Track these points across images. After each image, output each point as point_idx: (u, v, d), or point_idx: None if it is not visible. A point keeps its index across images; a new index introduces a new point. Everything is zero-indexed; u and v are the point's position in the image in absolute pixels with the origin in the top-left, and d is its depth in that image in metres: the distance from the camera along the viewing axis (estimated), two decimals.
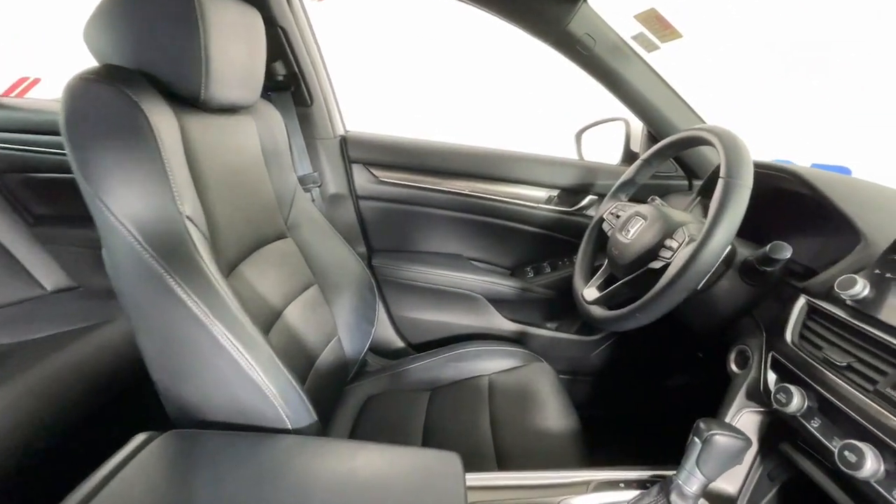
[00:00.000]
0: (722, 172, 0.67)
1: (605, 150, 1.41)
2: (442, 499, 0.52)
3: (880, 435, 0.45)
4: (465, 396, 1.04)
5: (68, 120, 0.57)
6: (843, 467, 0.47)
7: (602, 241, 1.00)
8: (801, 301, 0.63)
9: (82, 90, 0.58)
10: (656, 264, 0.73)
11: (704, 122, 1.11)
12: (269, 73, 1.13)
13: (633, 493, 0.61)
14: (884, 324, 0.51)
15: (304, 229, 1.00)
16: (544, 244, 1.33)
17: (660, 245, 0.75)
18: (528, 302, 1.34)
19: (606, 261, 0.92)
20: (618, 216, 0.93)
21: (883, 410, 0.46)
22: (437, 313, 1.35)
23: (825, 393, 0.53)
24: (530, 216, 1.30)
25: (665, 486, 0.58)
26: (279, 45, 1.09)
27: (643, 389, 1.38)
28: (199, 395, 0.63)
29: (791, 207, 0.82)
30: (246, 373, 0.61)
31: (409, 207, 1.32)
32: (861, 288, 0.54)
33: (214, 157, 0.74)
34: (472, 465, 0.66)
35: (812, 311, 0.61)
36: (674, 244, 0.71)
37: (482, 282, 1.32)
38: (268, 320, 0.80)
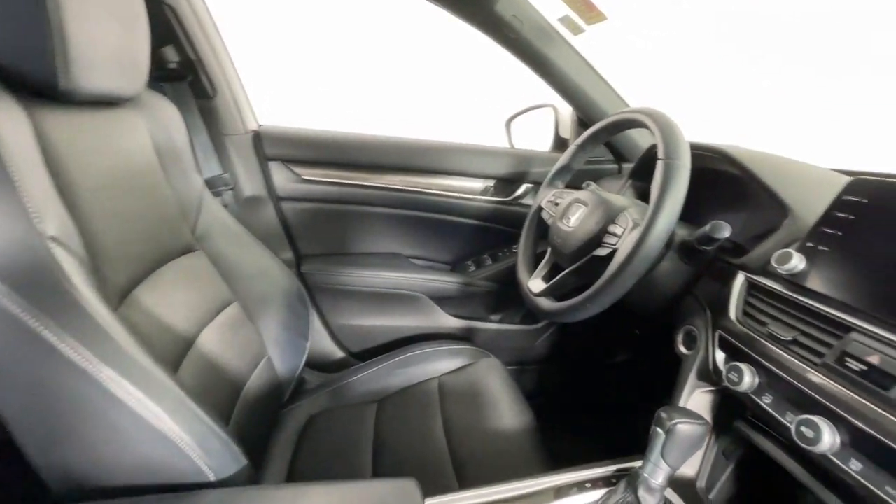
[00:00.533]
0: (660, 154, 0.66)
1: (535, 137, 1.41)
2: None
3: (833, 408, 0.46)
4: (416, 403, 0.98)
5: None
6: (800, 443, 0.47)
7: (542, 230, 0.98)
8: (741, 278, 0.64)
9: None
10: (602, 251, 0.72)
11: (629, 106, 1.13)
12: (159, 61, 0.97)
13: (599, 493, 0.59)
14: (822, 295, 0.53)
15: (216, 239, 0.87)
16: (483, 236, 1.30)
17: (603, 231, 0.73)
18: (472, 296, 1.31)
19: (549, 250, 0.89)
20: (557, 204, 0.91)
21: (832, 383, 0.47)
22: (378, 318, 1.27)
23: (774, 369, 0.53)
24: (467, 208, 1.26)
25: (632, 480, 0.56)
26: (168, 26, 0.93)
27: (588, 371, 1.41)
28: (89, 458, 0.51)
29: (717, 186, 0.85)
30: (150, 424, 0.50)
31: (338, 206, 1.22)
32: (797, 262, 0.56)
33: (89, 161, 0.60)
34: (428, 481, 0.60)
35: (752, 288, 0.62)
36: (618, 230, 0.70)
37: (423, 280, 1.26)
38: (176, 353, 0.68)
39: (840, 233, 0.54)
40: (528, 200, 1.25)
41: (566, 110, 1.26)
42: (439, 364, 1.06)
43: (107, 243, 0.59)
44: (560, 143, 1.31)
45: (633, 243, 0.64)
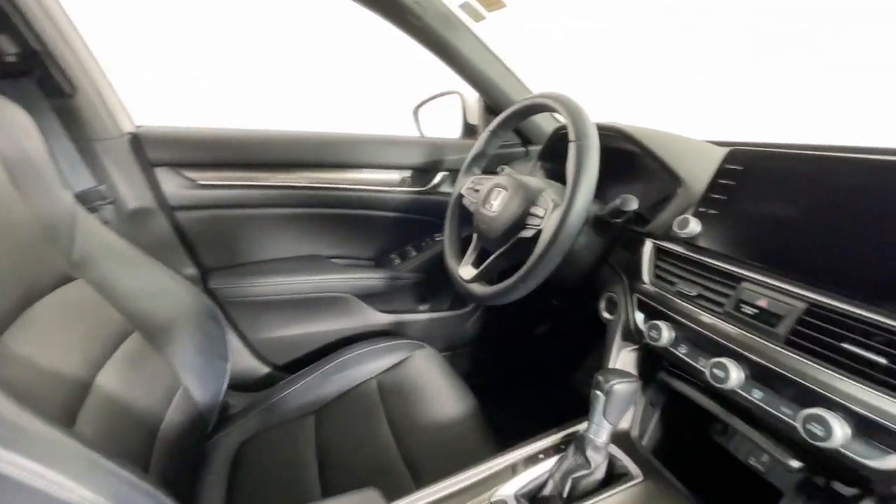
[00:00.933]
0: (571, 136, 0.70)
1: (442, 124, 1.42)
2: None
3: (736, 349, 0.53)
4: (356, 407, 0.95)
5: None
6: (714, 383, 0.54)
7: (465, 217, 0.99)
8: (648, 245, 0.71)
9: None
10: (527, 233, 0.75)
11: (532, 91, 1.18)
12: None
13: (552, 461, 0.62)
14: (716, 253, 0.61)
15: (100, 263, 0.74)
16: (405, 228, 1.28)
17: (526, 213, 0.76)
18: (400, 289, 1.29)
19: (475, 236, 0.91)
20: (477, 190, 0.92)
21: (733, 328, 0.54)
22: (303, 325, 1.20)
23: (686, 322, 0.60)
24: (385, 201, 1.23)
25: (579, 443, 0.60)
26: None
27: (516, 345, 1.48)
28: None
29: (615, 162, 0.93)
30: (53, 497, 0.42)
31: (243, 212, 1.11)
32: (694, 226, 0.63)
33: None
34: (383, 485, 0.59)
35: (659, 252, 0.70)
36: (540, 211, 0.73)
37: (347, 279, 1.21)
38: (70, 404, 0.57)
39: (725, 197, 0.62)
40: (445, 188, 1.26)
41: (472, 97, 1.28)
42: (375, 363, 1.03)
43: None
44: (469, 130, 1.33)
45: (556, 222, 0.67)
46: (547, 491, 0.60)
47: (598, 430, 0.58)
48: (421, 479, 0.75)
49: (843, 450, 0.43)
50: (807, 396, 0.46)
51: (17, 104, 0.67)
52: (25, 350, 0.53)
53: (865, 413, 0.42)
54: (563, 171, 0.98)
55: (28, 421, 0.42)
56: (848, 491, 0.48)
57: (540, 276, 0.70)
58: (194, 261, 1.09)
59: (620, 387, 0.56)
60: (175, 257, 1.06)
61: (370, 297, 1.26)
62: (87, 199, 0.88)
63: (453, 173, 1.25)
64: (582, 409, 0.70)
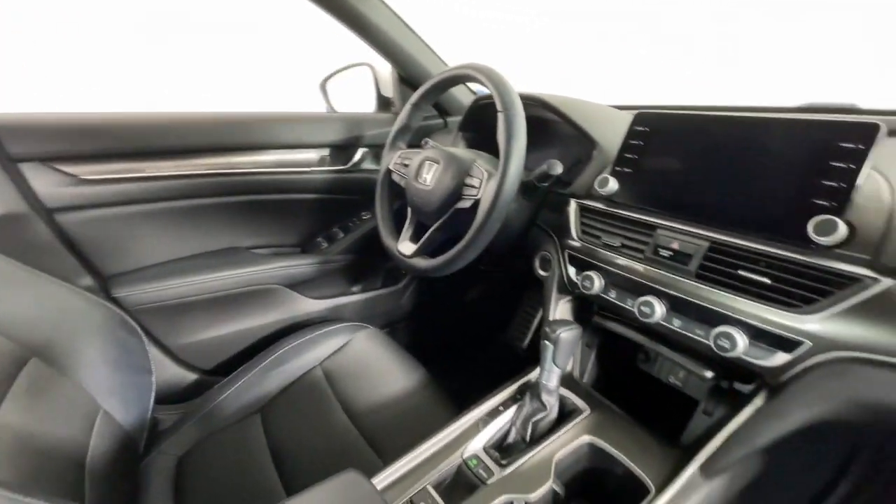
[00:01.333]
0: (500, 107, 0.72)
1: (353, 98, 1.37)
2: None
3: (657, 287, 0.62)
4: (304, 398, 0.93)
5: None
6: (641, 318, 0.63)
7: (395, 193, 0.98)
8: (573, 205, 0.78)
9: None
10: (464, 203, 0.77)
11: (448, 65, 1.18)
12: None
13: (511, 411, 0.68)
14: (633, 206, 0.69)
15: None
16: (329, 209, 1.24)
17: (461, 185, 0.78)
18: (331, 273, 1.25)
19: (410, 211, 0.91)
20: (406, 165, 0.92)
21: (654, 269, 0.63)
22: (231, 323, 1.12)
23: (613, 270, 0.68)
24: (305, 183, 1.16)
25: (534, 390, 0.66)
26: None
27: (451, 311, 1.53)
28: None
29: (534, 129, 0.99)
30: None
31: (142, 207, 0.99)
32: (612, 184, 0.71)
33: None
34: (350, 467, 0.60)
35: (583, 210, 0.77)
36: (475, 181, 0.76)
37: (273, 269, 1.14)
38: None
39: (636, 156, 0.70)
40: (367, 165, 1.23)
41: (384, 69, 1.24)
42: (317, 351, 1.01)
43: None
44: (384, 103, 1.30)
45: (493, 190, 0.70)
46: (511, 438, 0.65)
47: (550, 376, 0.65)
48: (386, 456, 0.76)
49: (743, 356, 0.53)
50: (715, 318, 0.56)
51: None
52: None
53: (758, 325, 0.52)
54: (484, 141, 1.02)
55: None
56: (746, 388, 0.59)
57: (483, 242, 0.73)
58: (88, 269, 0.95)
59: (566, 335, 0.63)
60: (64, 267, 0.91)
61: (300, 285, 1.20)
62: None
63: (374, 149, 1.22)
64: (518, 362, 0.76)
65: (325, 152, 1.17)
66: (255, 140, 1.05)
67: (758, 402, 0.54)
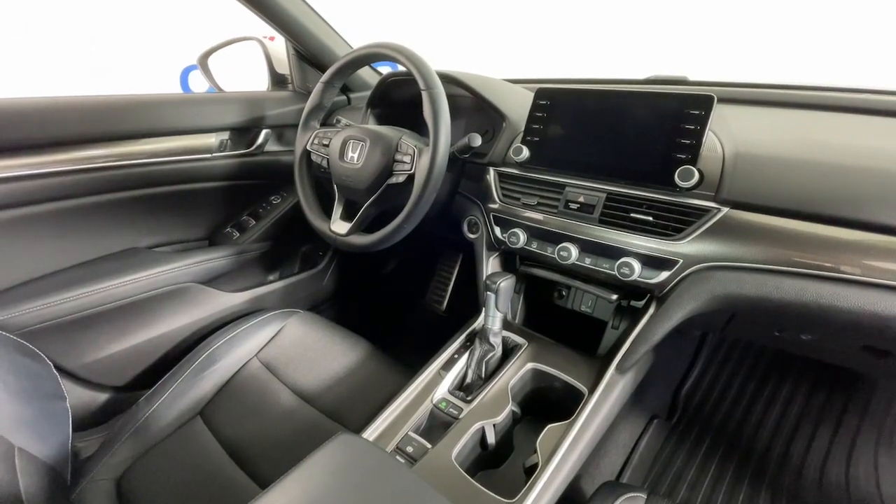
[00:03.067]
0: (422, 86, 0.78)
1: (236, 74, 1.28)
2: (380, 471, 0.52)
3: (570, 234, 0.76)
4: (248, 391, 0.91)
5: None
6: (560, 261, 0.77)
7: (315, 174, 0.99)
8: (492, 172, 0.89)
9: None
10: (397, 178, 0.82)
11: (351, 45, 1.17)
12: None
13: (465, 357, 0.78)
14: (543, 169, 0.81)
15: None
16: (235, 196, 1.17)
17: (391, 161, 0.83)
18: (246, 263, 1.20)
19: (337, 190, 0.93)
20: (325, 145, 0.93)
21: (566, 220, 0.77)
22: (143, 331, 1.02)
23: (533, 224, 0.81)
24: (206, 170, 1.08)
25: (482, 334, 0.77)
26: None
27: (372, 286, 1.58)
28: None
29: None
30: None
31: (19, 211, 0.84)
32: (525, 152, 0.82)
33: None
34: (319, 443, 0.62)
35: (501, 177, 0.87)
36: (405, 157, 0.81)
37: (181, 267, 1.06)
38: None
39: (541, 126, 0.82)
40: (272, 147, 1.18)
41: (276, 45, 1.19)
42: (249, 343, 0.99)
43: None
44: (278, 80, 1.25)
45: (427, 164, 0.77)
46: (469, 378, 0.75)
47: (494, 320, 0.76)
48: (353, 425, 0.79)
49: (639, 279, 0.70)
50: (616, 253, 0.71)
51: None
52: None
53: (647, 252, 0.69)
54: (394, 116, 1.06)
55: None
56: (640, 303, 0.77)
57: (421, 213, 0.80)
58: None
59: (505, 283, 0.74)
60: None
61: (215, 280, 1.14)
62: None
63: (277, 129, 1.18)
64: (441, 321, 0.87)
65: (225, 136, 1.10)
66: (146, 126, 0.95)
67: (650, 310, 0.72)
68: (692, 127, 0.66)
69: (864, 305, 0.55)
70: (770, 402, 1.13)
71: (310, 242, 1.37)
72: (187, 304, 1.08)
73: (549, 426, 0.64)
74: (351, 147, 0.87)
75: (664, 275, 0.68)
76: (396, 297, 1.65)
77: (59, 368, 0.91)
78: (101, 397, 0.97)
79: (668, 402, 1.15)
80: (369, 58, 0.88)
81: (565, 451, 0.59)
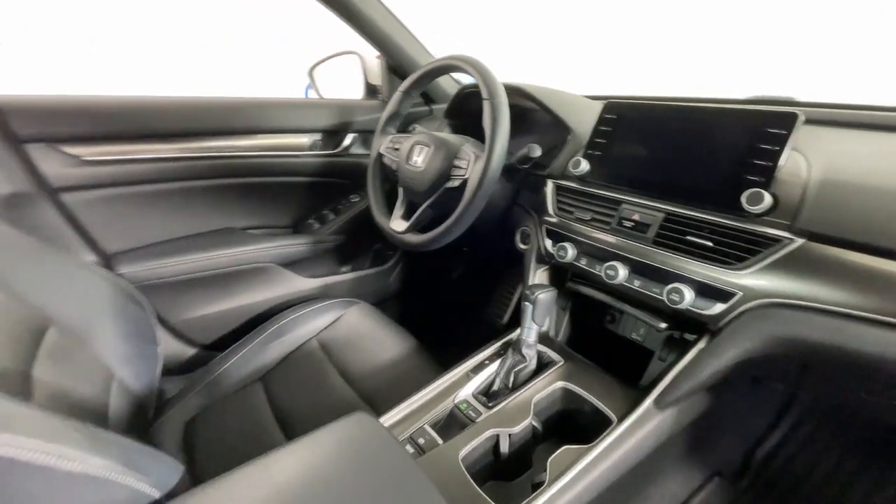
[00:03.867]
0: (485, 95, 0.81)
1: (340, 84, 1.42)
2: (382, 453, 0.54)
3: (621, 253, 0.72)
4: (303, 367, 1.00)
5: None
6: (607, 280, 0.73)
7: (385, 175, 1.06)
8: (550, 184, 0.87)
9: None
10: (453, 183, 0.85)
11: (433, 56, 1.25)
12: None
13: (496, 364, 0.77)
14: (601, 184, 0.78)
15: None
16: (319, 191, 1.30)
17: (450, 166, 0.86)
18: (322, 253, 1.32)
19: (401, 191, 0.99)
20: (396, 149, 0.99)
21: (618, 238, 0.73)
22: (228, 300, 1.17)
23: (583, 240, 0.78)
24: (297, 166, 1.22)
25: (516, 345, 0.76)
26: None
27: (437, 289, 1.62)
28: None
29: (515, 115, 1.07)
30: (55, 469, 0.43)
31: (143, 188, 1.03)
32: (584, 165, 0.80)
33: None
34: None
35: (558, 189, 0.86)
36: (463, 163, 0.84)
37: (267, 248, 1.20)
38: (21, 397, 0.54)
39: (605, 141, 0.79)
40: (356, 150, 1.29)
41: (371, 58, 1.30)
42: (312, 324, 1.08)
43: None
44: (371, 90, 1.36)
45: (480, 171, 0.79)
46: (496, 386, 0.75)
47: (529, 332, 0.74)
48: (379, 411, 0.83)
49: (690, 307, 0.64)
50: (667, 277, 0.66)
51: None
52: None
53: (701, 280, 0.62)
54: (469, 127, 1.09)
55: (16, 407, 0.42)
56: (692, 336, 0.70)
57: (470, 218, 0.82)
58: (92, 247, 0.99)
59: (544, 296, 0.72)
60: (69, 245, 0.95)
61: (293, 265, 1.27)
62: None
63: (363, 134, 1.29)
64: (499, 336, 0.86)
65: (317, 137, 1.23)
66: (250, 124, 1.10)
67: (700, 344, 0.65)
68: (770, 147, 0.59)
69: None
70: (875, 487, 0.93)
71: (382, 241, 1.46)
72: (266, 282, 1.22)
73: (566, 447, 0.61)
74: (416, 151, 0.92)
75: (719, 307, 0.61)
76: (458, 305, 1.67)
77: (159, 319, 1.09)
78: (188, 351, 1.13)
79: (738, 462, 1.01)
80: (442, 69, 0.93)
81: (576, 475, 0.56)
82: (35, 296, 0.70)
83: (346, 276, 1.36)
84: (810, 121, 0.62)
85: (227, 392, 0.95)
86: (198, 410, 0.92)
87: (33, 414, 0.43)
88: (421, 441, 0.64)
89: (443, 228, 0.84)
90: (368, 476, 0.51)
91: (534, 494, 0.55)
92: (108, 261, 1.00)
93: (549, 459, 0.59)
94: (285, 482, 0.50)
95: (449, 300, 1.66)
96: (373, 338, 1.03)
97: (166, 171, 1.04)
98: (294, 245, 1.25)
